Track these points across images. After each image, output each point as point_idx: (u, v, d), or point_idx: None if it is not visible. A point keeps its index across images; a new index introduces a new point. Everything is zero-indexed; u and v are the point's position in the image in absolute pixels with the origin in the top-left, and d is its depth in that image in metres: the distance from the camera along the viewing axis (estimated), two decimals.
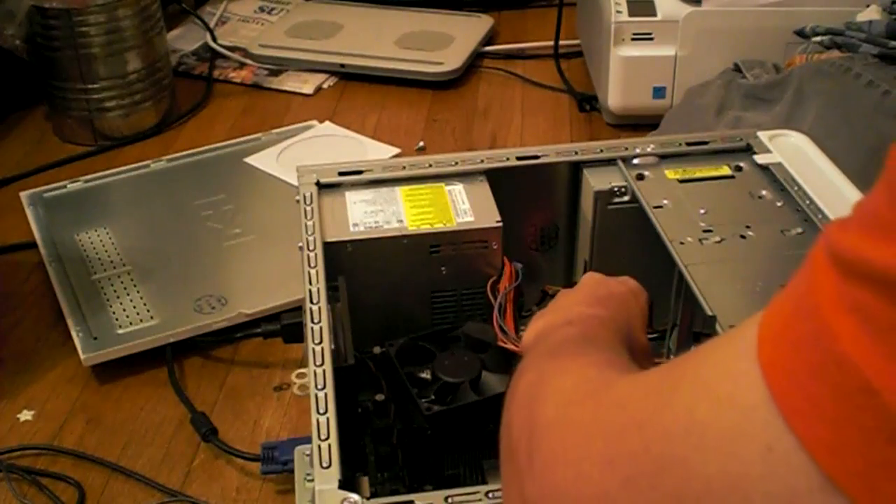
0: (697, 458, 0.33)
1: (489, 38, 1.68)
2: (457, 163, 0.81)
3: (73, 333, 1.00)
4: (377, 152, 1.35)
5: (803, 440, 0.30)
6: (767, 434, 0.31)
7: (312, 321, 0.65)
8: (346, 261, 0.74)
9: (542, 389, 0.44)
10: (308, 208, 0.76)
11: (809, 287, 0.32)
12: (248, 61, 1.63)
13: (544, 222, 0.86)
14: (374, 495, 0.57)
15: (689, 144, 0.82)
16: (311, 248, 0.72)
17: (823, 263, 0.31)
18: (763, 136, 0.83)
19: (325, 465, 0.55)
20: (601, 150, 0.82)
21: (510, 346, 0.70)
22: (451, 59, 1.57)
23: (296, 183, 0.80)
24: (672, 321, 0.76)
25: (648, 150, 0.81)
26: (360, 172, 0.80)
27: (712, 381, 0.34)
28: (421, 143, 1.39)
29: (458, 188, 0.79)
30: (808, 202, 0.74)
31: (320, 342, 0.63)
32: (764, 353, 0.32)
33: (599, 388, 0.41)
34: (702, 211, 0.75)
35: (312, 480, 0.55)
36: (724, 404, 0.33)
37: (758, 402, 0.31)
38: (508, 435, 0.45)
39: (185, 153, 1.34)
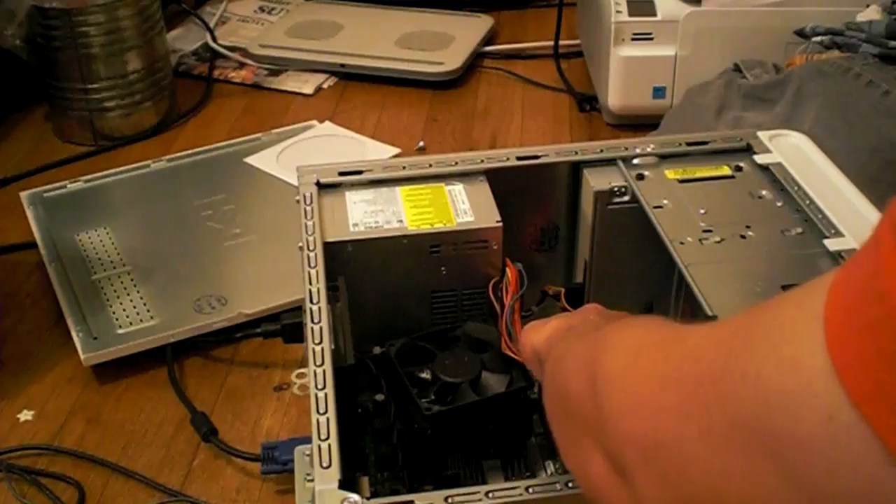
0: (765, 418, 0.34)
1: (489, 38, 1.68)
2: (457, 163, 0.81)
3: (73, 333, 1.01)
4: (377, 152, 1.35)
5: (872, 424, 0.30)
6: (829, 404, 0.31)
7: (312, 321, 0.65)
8: (346, 261, 0.74)
9: (601, 345, 0.46)
10: (308, 208, 0.76)
11: (877, 268, 0.31)
12: (248, 61, 1.63)
13: (544, 222, 0.85)
14: (374, 495, 0.57)
15: (689, 144, 0.82)
16: (311, 248, 0.72)
17: (890, 243, 0.31)
18: (763, 136, 0.82)
19: (325, 465, 0.55)
20: (601, 150, 0.82)
21: (518, 356, 0.70)
22: (451, 59, 1.57)
23: (296, 183, 0.80)
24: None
25: (648, 150, 0.81)
26: (360, 172, 0.80)
27: (779, 342, 0.34)
28: (421, 143, 1.39)
29: (458, 188, 0.79)
30: (808, 202, 0.74)
31: (320, 342, 0.63)
32: (831, 331, 0.32)
33: (668, 338, 0.43)
34: (702, 211, 0.75)
35: (312, 480, 0.55)
36: (787, 368, 0.33)
37: (820, 371, 0.32)
38: (565, 393, 0.48)
39: (185, 153, 1.34)
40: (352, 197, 0.79)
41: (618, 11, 1.34)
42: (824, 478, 0.32)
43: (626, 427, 0.41)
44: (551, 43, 1.62)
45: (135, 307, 1.04)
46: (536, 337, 0.59)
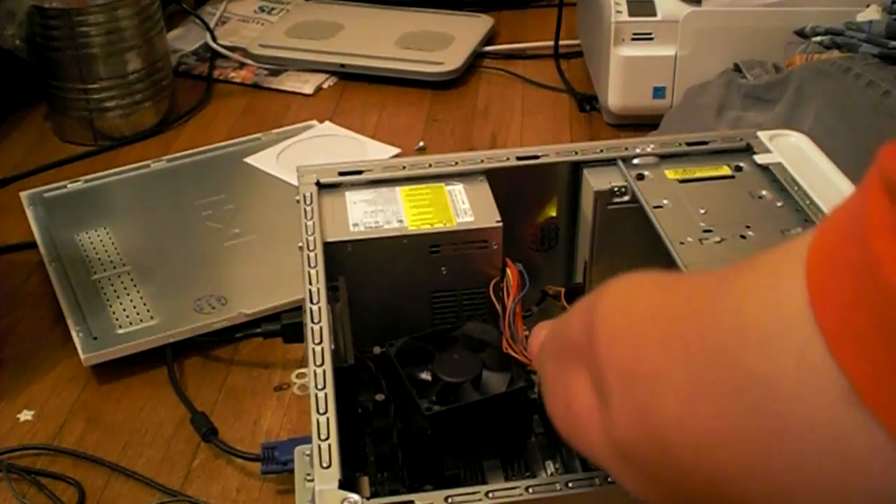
0: (740, 354, 0.35)
1: (489, 38, 1.68)
2: (457, 163, 0.81)
3: (73, 333, 1.00)
4: (377, 152, 1.35)
5: (841, 363, 0.31)
6: (801, 340, 0.32)
7: (312, 321, 0.65)
8: (346, 261, 0.74)
9: (601, 289, 0.47)
10: (308, 208, 0.76)
11: (859, 211, 0.32)
12: (248, 61, 1.63)
13: (544, 222, 0.85)
14: (374, 495, 0.57)
15: (689, 144, 0.82)
16: (311, 248, 0.72)
17: (875, 187, 0.31)
18: (763, 136, 0.82)
19: (325, 465, 0.55)
20: (601, 150, 0.82)
21: (519, 357, 0.70)
22: (451, 59, 1.57)
23: (296, 183, 0.80)
24: None
25: (648, 150, 0.81)
26: (360, 172, 0.80)
27: (762, 283, 0.35)
28: (421, 143, 1.39)
29: (458, 188, 0.79)
30: (808, 202, 0.74)
31: (320, 342, 0.63)
32: (811, 270, 0.33)
33: (668, 281, 0.45)
34: (702, 211, 0.75)
35: (312, 480, 0.55)
36: (766, 304, 0.34)
37: (797, 308, 0.32)
38: (562, 334, 0.50)
39: (185, 153, 1.34)
40: (352, 197, 0.79)
41: (618, 11, 1.34)
42: (788, 416, 0.33)
43: (611, 351, 0.43)
44: (551, 43, 1.62)
45: (135, 307, 1.04)
46: (543, 333, 0.59)
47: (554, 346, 0.52)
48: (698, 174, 0.80)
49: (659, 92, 1.36)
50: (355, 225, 0.76)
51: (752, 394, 0.34)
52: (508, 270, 0.74)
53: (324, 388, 0.60)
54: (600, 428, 0.43)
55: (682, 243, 0.72)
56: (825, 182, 0.77)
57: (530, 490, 0.55)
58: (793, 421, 0.33)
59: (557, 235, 0.86)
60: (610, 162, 0.81)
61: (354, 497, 0.53)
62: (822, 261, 0.33)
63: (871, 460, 0.31)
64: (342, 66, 1.59)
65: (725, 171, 0.80)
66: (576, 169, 0.82)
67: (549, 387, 0.52)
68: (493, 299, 0.74)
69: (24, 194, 1.25)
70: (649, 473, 0.41)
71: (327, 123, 1.43)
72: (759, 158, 0.80)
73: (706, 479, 0.37)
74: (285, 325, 0.78)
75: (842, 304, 0.31)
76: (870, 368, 0.30)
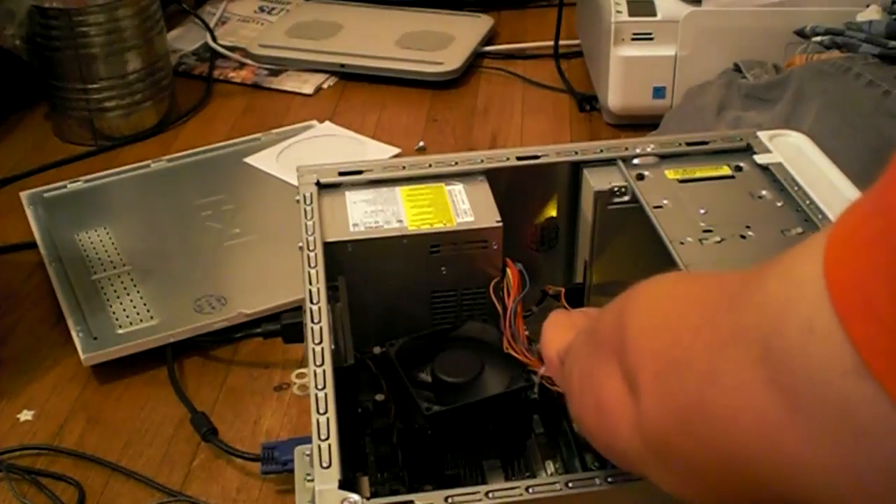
0: (758, 326, 0.35)
1: (489, 38, 1.68)
2: (457, 163, 0.81)
3: (73, 333, 1.00)
4: (377, 152, 1.35)
5: (849, 332, 0.31)
6: (811, 310, 0.32)
7: (312, 321, 0.65)
8: (346, 261, 0.74)
9: (634, 288, 0.48)
10: (308, 208, 0.76)
11: (883, 191, 0.32)
12: (248, 61, 1.63)
13: (544, 222, 0.85)
14: (374, 495, 0.57)
15: (689, 144, 0.82)
16: (311, 248, 0.72)
17: None
18: (763, 136, 0.82)
19: (325, 465, 0.55)
20: (601, 150, 0.82)
21: (520, 357, 0.70)
22: (451, 59, 1.57)
23: (296, 183, 0.80)
24: None
25: (648, 150, 0.81)
26: (360, 172, 0.80)
27: (787, 261, 0.36)
28: (421, 143, 1.39)
29: (458, 188, 0.79)
30: (808, 202, 0.74)
31: (320, 342, 0.63)
32: (830, 246, 0.33)
33: (703, 274, 0.46)
34: (702, 211, 0.75)
35: (312, 480, 0.55)
36: (784, 278, 0.35)
37: (810, 279, 0.33)
38: (595, 331, 0.50)
39: (185, 153, 1.34)
40: (352, 197, 0.79)
41: (618, 11, 1.34)
42: (803, 386, 0.33)
43: (646, 343, 0.43)
44: (551, 43, 1.62)
45: (135, 307, 1.04)
46: (563, 338, 0.59)
47: (583, 347, 0.52)
48: (698, 174, 0.80)
49: (659, 92, 1.36)
50: (355, 225, 0.76)
51: (772, 364, 0.34)
52: (508, 270, 0.74)
53: (324, 388, 0.60)
54: (631, 422, 0.44)
55: (682, 243, 0.72)
56: (825, 182, 0.77)
57: (530, 490, 0.55)
58: (807, 392, 0.33)
59: (557, 235, 0.86)
60: (610, 162, 0.81)
61: (354, 497, 0.53)
62: (842, 235, 0.33)
63: (882, 434, 0.31)
64: (342, 66, 1.59)
65: (725, 171, 0.80)
66: (576, 169, 0.82)
67: (577, 387, 0.52)
68: (494, 299, 0.74)
69: (24, 194, 1.25)
70: (677, 464, 0.42)
71: (327, 123, 1.43)
72: (759, 158, 0.80)
73: (727, 465, 0.38)
74: (285, 325, 0.78)
75: (856, 275, 0.31)
76: (881, 340, 0.30)
